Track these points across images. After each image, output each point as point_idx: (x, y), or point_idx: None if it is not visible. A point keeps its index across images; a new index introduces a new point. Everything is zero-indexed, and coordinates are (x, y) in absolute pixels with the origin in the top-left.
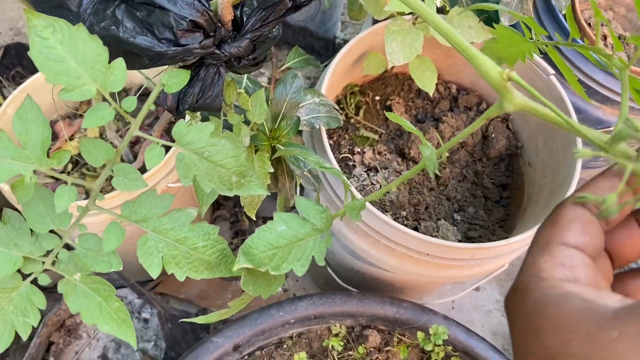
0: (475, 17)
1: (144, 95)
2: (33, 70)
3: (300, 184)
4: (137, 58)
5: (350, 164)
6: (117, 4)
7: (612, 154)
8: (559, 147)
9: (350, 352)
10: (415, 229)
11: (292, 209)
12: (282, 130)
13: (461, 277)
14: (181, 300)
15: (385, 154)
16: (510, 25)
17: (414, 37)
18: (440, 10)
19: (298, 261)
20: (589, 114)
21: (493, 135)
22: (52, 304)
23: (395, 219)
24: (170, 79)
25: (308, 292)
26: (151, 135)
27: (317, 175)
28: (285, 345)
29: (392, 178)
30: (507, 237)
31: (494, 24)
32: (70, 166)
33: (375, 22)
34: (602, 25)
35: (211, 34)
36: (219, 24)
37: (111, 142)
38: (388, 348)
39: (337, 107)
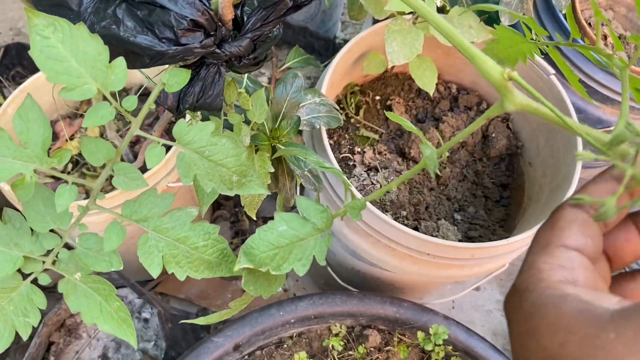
0: (476, 17)
1: (144, 95)
2: (33, 70)
3: (301, 184)
4: (137, 57)
5: (351, 163)
6: (117, 3)
7: (612, 158)
8: (560, 147)
9: (350, 352)
10: (416, 228)
11: (293, 208)
12: (283, 130)
13: (461, 276)
14: (181, 300)
15: (385, 154)
16: (511, 25)
17: (414, 36)
18: (441, 10)
19: (299, 261)
20: (589, 113)
21: (493, 135)
22: (52, 304)
23: (396, 219)
24: (170, 78)
25: (308, 292)
26: (151, 135)
27: (318, 175)
28: (285, 345)
29: (392, 178)
30: (507, 237)
31: (494, 25)
32: (70, 166)
33: (375, 21)
34: (602, 25)
35: (212, 33)
36: (220, 23)
37: (112, 142)
38: (388, 348)
39: (338, 107)
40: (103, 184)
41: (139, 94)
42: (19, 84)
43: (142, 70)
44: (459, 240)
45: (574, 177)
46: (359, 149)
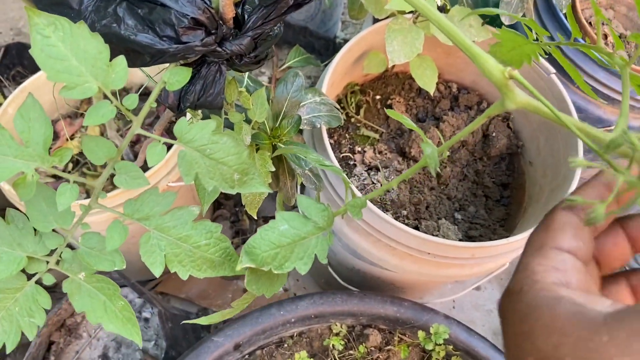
0: (476, 16)
1: (144, 94)
2: (34, 69)
3: (302, 183)
4: (138, 56)
5: (351, 163)
6: (118, 2)
7: (604, 165)
8: (560, 146)
9: (351, 352)
10: (416, 228)
11: (294, 208)
12: (283, 129)
13: (462, 276)
14: (182, 299)
15: (385, 153)
16: (511, 25)
17: (414, 35)
18: (441, 9)
19: (301, 260)
20: (590, 112)
21: (494, 135)
22: (53, 304)
23: (396, 218)
24: (171, 76)
25: (309, 292)
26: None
27: (318, 174)
28: (286, 345)
29: (392, 177)
30: (507, 236)
31: (496, 27)
32: (70, 165)
33: (375, 21)
34: (603, 24)
35: (213, 31)
36: (221, 22)
37: (112, 142)
38: (389, 347)
39: (338, 106)
40: (104, 184)
41: (139, 93)
42: (20, 83)
43: (143, 68)
44: (460, 240)
45: (575, 176)
46: (359, 149)
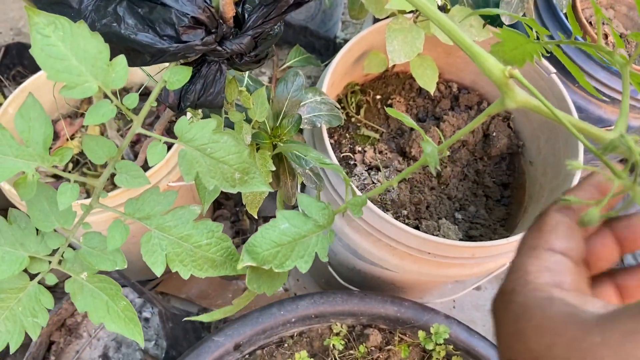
0: (477, 16)
1: (144, 94)
2: (34, 69)
3: (302, 182)
4: (138, 55)
5: (351, 162)
6: (118, 1)
7: (602, 168)
8: (561, 146)
9: (351, 351)
10: (417, 227)
11: (294, 207)
12: (284, 128)
13: (462, 276)
14: (182, 299)
15: (386, 153)
16: (512, 25)
17: (415, 35)
18: (442, 9)
19: (301, 258)
20: (590, 112)
21: (494, 134)
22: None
23: (397, 218)
24: (172, 75)
25: (309, 291)
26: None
27: (319, 174)
28: (286, 344)
29: (393, 177)
30: (508, 236)
31: (498, 28)
32: (71, 165)
33: (376, 21)
34: (603, 23)
35: (213, 30)
36: (221, 21)
37: (113, 141)
38: (389, 347)
39: (338, 106)
40: (104, 183)
41: (139, 93)
42: (20, 83)
43: (144, 68)
44: (460, 240)
45: (575, 176)
46: (359, 148)
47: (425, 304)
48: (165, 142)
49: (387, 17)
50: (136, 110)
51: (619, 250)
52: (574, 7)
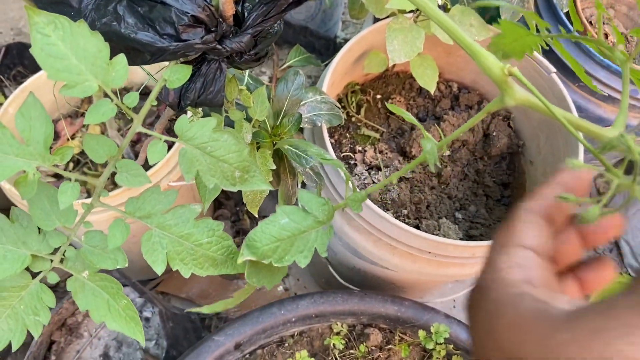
0: (477, 15)
1: (144, 94)
2: (34, 69)
3: (302, 182)
4: (138, 54)
5: (352, 162)
6: (118, 0)
7: (601, 166)
8: (561, 145)
9: (351, 351)
10: (417, 227)
11: None
12: (284, 127)
13: (462, 275)
14: (182, 299)
15: (386, 153)
16: None
17: (415, 35)
18: (442, 9)
19: (301, 253)
20: (590, 112)
21: (494, 134)
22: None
23: (397, 218)
24: (172, 74)
25: (309, 291)
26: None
27: (319, 173)
28: (286, 344)
29: (394, 182)
30: None
31: (498, 19)
32: (71, 165)
33: (376, 20)
34: (603, 23)
35: (213, 29)
36: (221, 19)
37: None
38: (389, 346)
39: (339, 105)
40: (105, 182)
41: (140, 92)
42: (20, 83)
43: (144, 67)
44: (460, 239)
45: None
46: (360, 148)
47: (425, 304)
48: (166, 141)
49: (388, 17)
50: (136, 109)
51: (582, 245)
52: (574, 5)
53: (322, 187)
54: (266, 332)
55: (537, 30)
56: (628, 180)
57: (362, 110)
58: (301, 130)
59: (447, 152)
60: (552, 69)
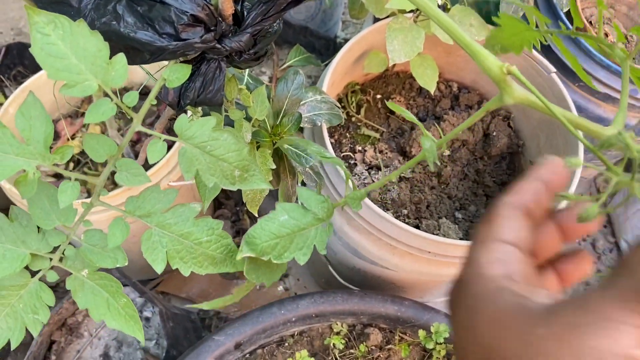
0: (477, 15)
1: (144, 94)
2: (34, 69)
3: (302, 181)
4: (138, 53)
5: (352, 162)
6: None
7: (600, 166)
8: (560, 145)
9: (351, 351)
10: (417, 227)
11: None
12: (284, 126)
13: None
14: (183, 299)
15: (386, 153)
16: None
17: (415, 35)
18: (442, 9)
19: (300, 250)
20: (590, 111)
21: (494, 134)
22: (54, 302)
23: (397, 217)
24: (171, 73)
25: (309, 291)
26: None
27: (319, 172)
28: (286, 344)
29: (393, 180)
30: None
31: (498, 13)
32: (71, 165)
33: (376, 20)
34: (603, 23)
35: (212, 28)
36: (220, 18)
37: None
38: (389, 346)
39: (339, 105)
40: (105, 181)
41: (139, 91)
42: (21, 83)
43: (143, 66)
44: (460, 239)
45: (575, 175)
46: (360, 148)
47: (425, 303)
48: (166, 141)
49: (388, 17)
50: (136, 109)
51: (562, 239)
52: (574, 4)
53: (322, 187)
54: (266, 332)
55: (537, 27)
56: (627, 178)
57: (362, 110)
58: (301, 129)
59: (447, 152)
60: (552, 68)
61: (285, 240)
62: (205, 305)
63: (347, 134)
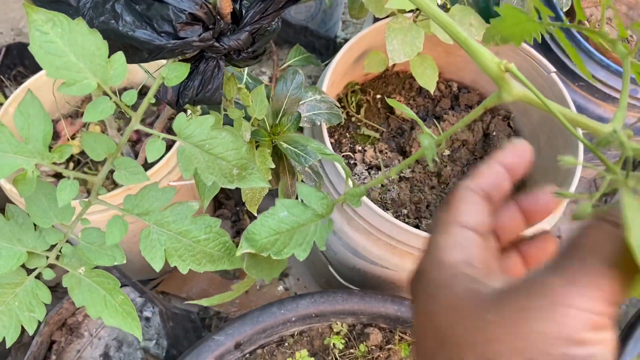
0: (477, 15)
1: (143, 93)
2: (34, 69)
3: (301, 181)
4: (136, 52)
5: (352, 162)
6: None
7: (595, 165)
8: (560, 144)
9: (351, 350)
10: (417, 226)
11: None
12: (283, 126)
13: None
14: (183, 299)
15: (386, 152)
16: None
17: (415, 34)
18: (442, 8)
19: (300, 246)
20: (590, 111)
21: (494, 134)
22: (54, 303)
23: (397, 217)
24: (170, 72)
25: (309, 291)
26: None
27: (318, 172)
28: (286, 344)
29: (393, 177)
30: None
31: (500, 3)
32: (71, 165)
33: (375, 20)
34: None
35: (210, 26)
36: (218, 17)
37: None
38: (389, 346)
39: (338, 104)
40: (104, 181)
41: (138, 90)
42: (21, 83)
43: (142, 65)
44: None
45: (575, 174)
46: (359, 148)
47: None
48: (165, 140)
49: (387, 17)
50: (135, 108)
51: (524, 222)
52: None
53: (322, 186)
54: (266, 332)
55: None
56: (622, 177)
57: (362, 110)
58: (300, 129)
59: (447, 152)
60: (552, 68)
61: (285, 236)
62: (205, 302)
63: (347, 133)
